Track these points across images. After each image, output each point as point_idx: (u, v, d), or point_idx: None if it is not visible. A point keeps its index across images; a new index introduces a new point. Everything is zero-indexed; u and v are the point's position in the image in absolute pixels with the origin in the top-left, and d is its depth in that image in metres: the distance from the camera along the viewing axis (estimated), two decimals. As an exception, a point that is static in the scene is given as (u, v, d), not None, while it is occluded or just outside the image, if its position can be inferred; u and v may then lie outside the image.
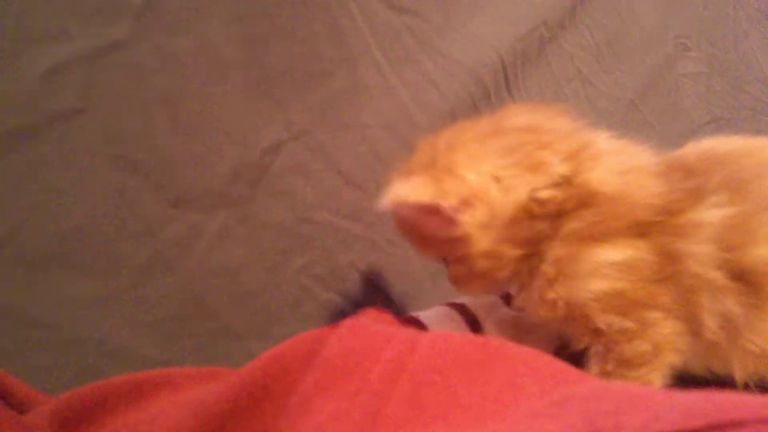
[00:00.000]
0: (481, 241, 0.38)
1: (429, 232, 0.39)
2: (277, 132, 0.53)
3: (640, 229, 0.37)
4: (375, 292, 0.57)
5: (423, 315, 0.48)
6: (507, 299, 0.50)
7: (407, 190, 0.37)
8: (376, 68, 0.59)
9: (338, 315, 0.54)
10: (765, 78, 1.02)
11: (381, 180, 0.57)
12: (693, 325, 0.38)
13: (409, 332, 0.31)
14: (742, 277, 0.36)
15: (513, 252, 0.39)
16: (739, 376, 0.38)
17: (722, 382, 0.40)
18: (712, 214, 0.36)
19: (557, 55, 0.77)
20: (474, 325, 0.48)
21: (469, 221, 0.37)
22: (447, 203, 0.37)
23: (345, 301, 0.55)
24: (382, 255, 0.58)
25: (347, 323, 0.31)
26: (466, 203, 0.37)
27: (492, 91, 0.68)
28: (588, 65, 0.81)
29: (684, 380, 0.41)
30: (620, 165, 0.40)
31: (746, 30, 1.03)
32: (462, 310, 0.49)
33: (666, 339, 0.38)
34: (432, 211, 0.37)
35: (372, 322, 0.32)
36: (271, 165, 0.52)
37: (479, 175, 0.38)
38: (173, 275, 0.47)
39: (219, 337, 0.49)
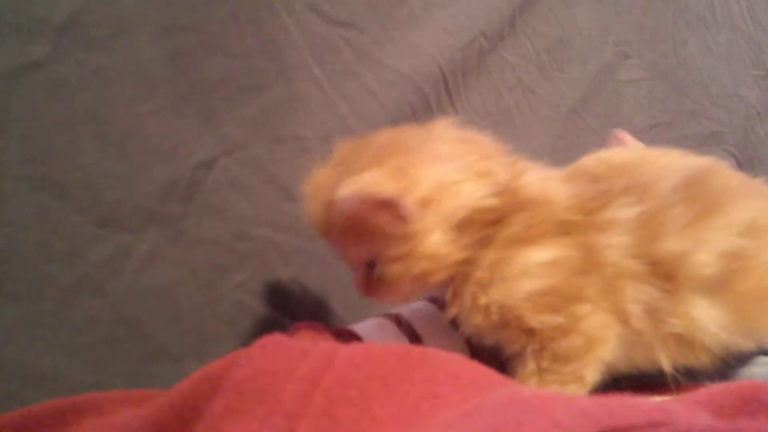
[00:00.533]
0: (429, 242, 0.39)
1: (373, 228, 0.40)
2: (210, 147, 0.52)
3: (562, 229, 0.40)
4: (318, 307, 0.57)
5: (357, 327, 0.47)
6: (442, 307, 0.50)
7: (368, 183, 0.38)
8: (313, 81, 0.59)
9: (279, 331, 0.53)
10: (704, 82, 1.05)
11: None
12: (620, 316, 0.40)
13: (328, 346, 0.30)
14: (655, 266, 0.39)
15: (455, 255, 0.40)
16: (666, 364, 0.40)
17: (650, 378, 0.41)
18: (623, 212, 0.39)
19: (498, 65, 0.78)
20: (411, 333, 0.48)
21: (423, 220, 0.38)
22: (407, 200, 0.38)
23: (286, 317, 0.54)
24: (326, 268, 0.57)
25: (261, 341, 0.31)
26: (423, 202, 0.38)
27: (433, 100, 0.69)
28: (529, 74, 0.82)
29: (615, 380, 0.42)
30: (540, 173, 0.43)
31: (685, 36, 1.06)
32: (397, 319, 0.49)
33: (597, 331, 0.40)
34: (387, 206, 0.38)
35: (289, 338, 0.31)
36: (204, 181, 0.51)
37: (434, 177, 0.39)
38: (102, 297, 0.45)
39: (153, 358, 0.47)
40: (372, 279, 0.43)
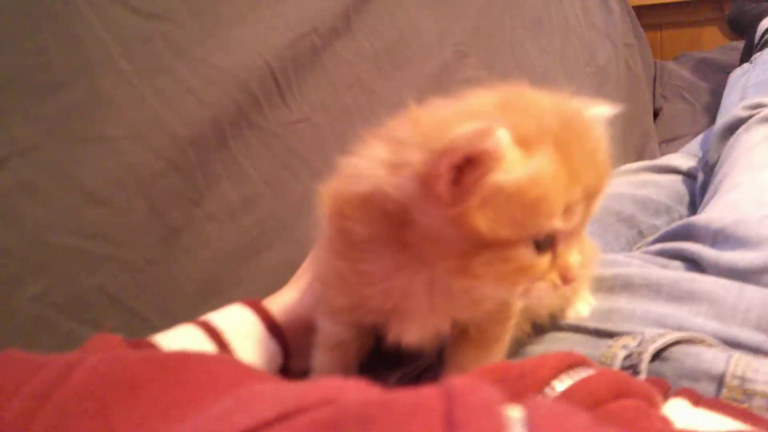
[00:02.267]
0: None
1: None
2: (-4, 149, 0.48)
3: None
4: (129, 317, 0.54)
5: (161, 336, 0.45)
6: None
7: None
8: (121, 77, 0.56)
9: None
10: (540, 80, 1.10)
11: (133, 194, 0.55)
12: None
13: (72, 358, 0.28)
14: None
15: None
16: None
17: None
18: None
19: (334, 62, 0.78)
20: (219, 340, 0.47)
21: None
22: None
23: (92, 329, 0.51)
24: (138, 275, 0.54)
25: None
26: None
27: (262, 97, 0.67)
28: (367, 72, 0.83)
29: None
30: None
31: (522, 38, 1.11)
32: (205, 326, 0.47)
33: None
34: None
35: (26, 353, 0.29)
36: (-11, 185, 0.47)
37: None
38: None
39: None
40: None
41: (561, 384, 0.32)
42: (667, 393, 0.42)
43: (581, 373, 0.33)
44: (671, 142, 1.29)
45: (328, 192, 0.41)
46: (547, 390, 0.32)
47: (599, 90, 1.20)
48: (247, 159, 0.65)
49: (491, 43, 1.04)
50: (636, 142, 1.22)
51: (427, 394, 0.19)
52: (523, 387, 0.32)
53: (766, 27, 1.31)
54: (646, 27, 1.72)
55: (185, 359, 0.30)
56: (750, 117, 0.88)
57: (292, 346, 0.50)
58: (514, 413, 0.19)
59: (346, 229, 0.39)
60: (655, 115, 1.47)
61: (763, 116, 0.86)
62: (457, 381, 0.20)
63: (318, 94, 0.75)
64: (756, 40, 1.33)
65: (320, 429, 0.18)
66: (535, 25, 1.14)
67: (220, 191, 0.62)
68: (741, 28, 1.44)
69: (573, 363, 0.34)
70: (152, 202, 0.56)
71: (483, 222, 0.33)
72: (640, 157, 1.19)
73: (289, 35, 0.70)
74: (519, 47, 1.10)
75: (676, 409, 0.40)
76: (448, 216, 0.34)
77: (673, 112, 1.43)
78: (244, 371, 0.30)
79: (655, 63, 1.62)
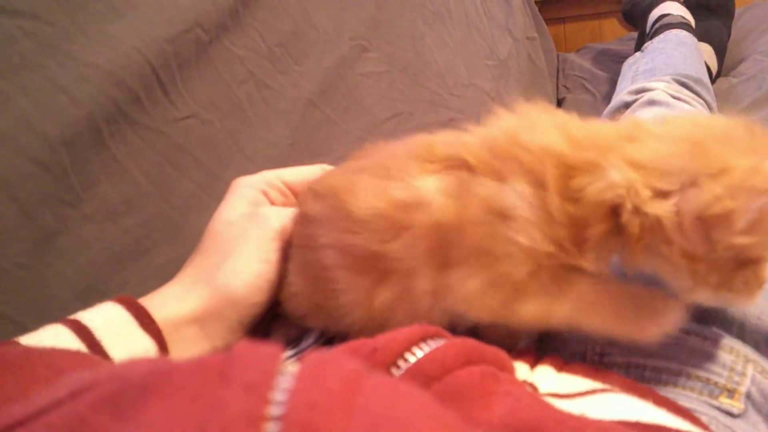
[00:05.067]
0: None
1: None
2: None
3: None
4: (2, 321, 0.51)
5: (26, 337, 0.43)
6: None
7: None
8: (-18, 76, 0.53)
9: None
10: (441, 73, 1.12)
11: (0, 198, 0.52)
12: None
13: None
14: None
15: None
16: None
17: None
18: None
19: (223, 57, 0.76)
20: (90, 339, 0.45)
21: None
22: None
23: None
24: (7, 280, 0.52)
25: None
26: None
27: (143, 94, 0.65)
28: (261, 67, 0.82)
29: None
30: None
31: (423, 32, 1.13)
32: (76, 325, 0.45)
33: None
34: None
35: None
36: None
37: None
38: None
39: None
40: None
41: (413, 356, 0.33)
42: (535, 362, 0.43)
43: (434, 344, 0.34)
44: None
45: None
46: (400, 362, 0.32)
47: (500, 82, 1.22)
48: (129, 158, 0.63)
49: (392, 37, 1.05)
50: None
51: (210, 358, 0.19)
52: (376, 361, 0.32)
53: (655, 17, 1.38)
54: (550, 21, 1.78)
55: (26, 354, 0.29)
56: (635, 101, 0.92)
57: (171, 341, 0.48)
58: (291, 368, 0.19)
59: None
60: (560, 105, 1.52)
61: (647, 99, 0.91)
62: (242, 345, 0.20)
63: (206, 91, 0.73)
64: (647, 30, 1.39)
65: (102, 402, 0.18)
66: (435, 19, 1.16)
67: (99, 192, 0.60)
68: (634, 20, 1.51)
69: (426, 335, 0.34)
70: (22, 205, 0.54)
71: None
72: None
73: (170, 30, 0.69)
74: (420, 41, 1.11)
75: (541, 376, 0.41)
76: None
77: (575, 102, 1.48)
78: (92, 363, 0.29)
79: (558, 55, 1.67)
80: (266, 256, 0.49)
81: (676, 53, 1.18)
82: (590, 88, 1.51)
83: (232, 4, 0.78)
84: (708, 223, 0.36)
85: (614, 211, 0.38)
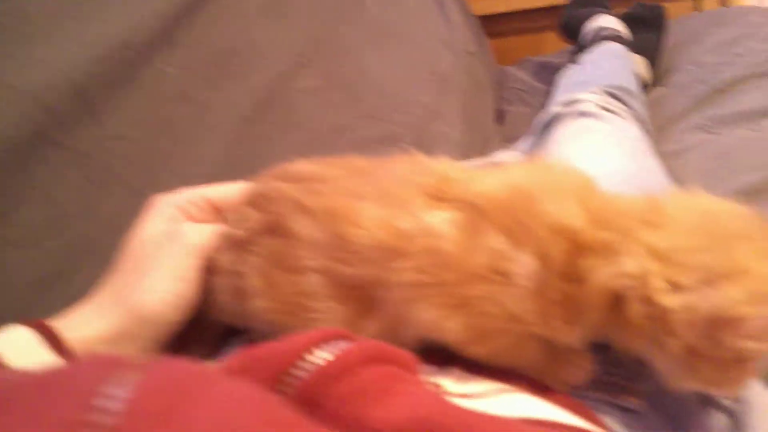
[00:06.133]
0: None
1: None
2: None
3: None
4: None
5: None
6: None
7: None
8: None
9: None
10: (381, 88, 1.13)
11: None
12: None
13: None
14: None
15: None
16: None
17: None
18: None
19: (153, 76, 0.76)
20: (58, 343, 0.44)
21: None
22: None
23: None
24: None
25: None
26: None
27: (67, 116, 0.64)
28: (193, 85, 0.81)
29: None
30: None
31: (362, 47, 1.14)
32: (40, 326, 0.44)
33: None
34: None
35: None
36: None
37: None
38: None
39: None
40: None
41: (315, 358, 0.33)
42: (444, 364, 0.44)
43: (338, 346, 0.34)
44: (513, 142, 1.36)
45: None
46: (301, 364, 0.32)
47: (441, 96, 1.24)
48: (53, 180, 0.62)
49: (331, 53, 1.06)
50: (478, 144, 1.28)
51: (56, 368, 0.19)
52: (274, 365, 0.32)
53: (590, 30, 1.42)
54: (492, 35, 1.81)
55: None
56: (566, 113, 0.94)
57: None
58: (134, 376, 0.20)
59: None
60: (501, 118, 1.54)
61: (578, 111, 0.93)
62: (86, 355, 0.21)
63: (136, 110, 0.72)
64: (582, 43, 1.44)
65: None
66: (375, 35, 1.17)
67: (21, 215, 0.59)
68: (571, 33, 1.55)
69: (329, 337, 0.34)
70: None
71: None
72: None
73: (98, 51, 0.68)
74: (360, 57, 1.12)
75: (450, 377, 0.42)
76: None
77: (515, 115, 1.51)
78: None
79: (498, 68, 1.70)
80: (183, 273, 0.48)
81: (608, 65, 1.22)
82: (530, 100, 1.55)
83: (164, 24, 0.77)
84: (717, 325, 0.37)
85: (617, 296, 0.39)
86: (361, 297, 0.43)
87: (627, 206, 0.42)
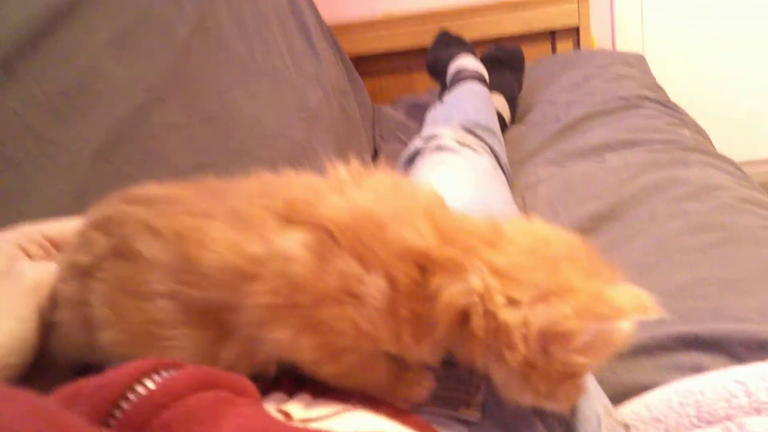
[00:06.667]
0: None
1: None
2: None
3: None
4: None
5: None
6: None
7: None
8: None
9: None
10: (249, 124, 1.13)
11: None
12: None
13: None
14: None
15: None
16: None
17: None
18: None
19: (-6, 112, 0.72)
20: None
21: None
22: None
23: None
24: None
25: None
26: None
27: None
28: (40, 120, 0.78)
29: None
30: None
31: (228, 83, 1.14)
32: None
33: None
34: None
35: None
36: None
37: None
38: None
39: None
40: None
41: (143, 388, 0.32)
42: (293, 392, 0.45)
43: (166, 375, 0.34)
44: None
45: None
46: (129, 395, 0.32)
47: (312, 132, 1.26)
48: None
49: (193, 88, 1.05)
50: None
51: None
52: (102, 397, 0.31)
53: (453, 70, 1.50)
54: (365, 74, 1.87)
55: None
56: (426, 147, 0.99)
57: None
58: None
59: None
60: (376, 154, 1.59)
61: (436, 145, 0.98)
62: None
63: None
64: (446, 82, 1.51)
65: None
66: (241, 71, 1.17)
67: None
68: (437, 73, 1.63)
69: (159, 366, 0.34)
70: None
71: None
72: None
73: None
74: (225, 93, 1.11)
75: (297, 404, 0.43)
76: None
77: (389, 151, 1.56)
78: None
79: (373, 107, 1.76)
80: (19, 313, 0.46)
81: (468, 103, 1.29)
82: (402, 137, 1.60)
83: (4, 56, 0.74)
84: (549, 338, 0.40)
85: (464, 313, 0.41)
86: (215, 322, 0.42)
87: (472, 226, 0.45)
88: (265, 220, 0.43)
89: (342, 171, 0.48)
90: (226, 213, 0.44)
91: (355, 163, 0.49)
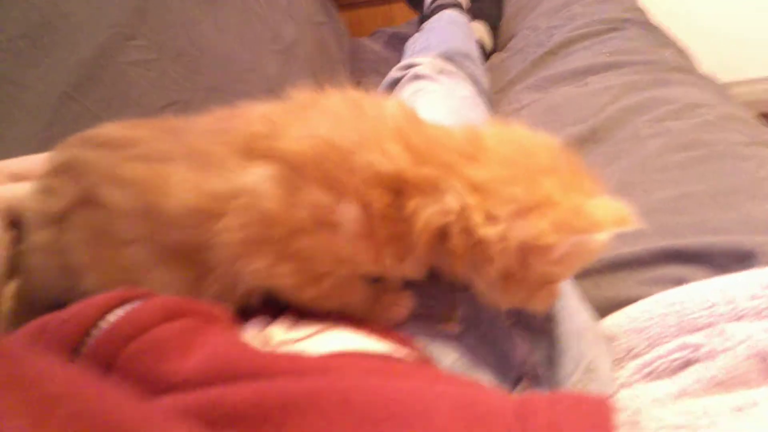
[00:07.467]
0: None
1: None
2: None
3: None
4: None
5: None
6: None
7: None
8: None
9: None
10: (220, 60, 1.10)
11: None
12: None
13: None
14: None
15: None
16: None
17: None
18: None
19: (-49, 54, 0.69)
20: None
21: None
22: None
23: None
24: None
25: None
26: None
27: None
28: (5, 62, 0.75)
29: None
30: None
31: (196, 17, 1.10)
32: None
33: None
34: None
35: None
36: None
37: None
38: None
39: None
40: None
41: (110, 318, 0.32)
42: (274, 316, 0.45)
43: (132, 306, 0.34)
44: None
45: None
46: (96, 327, 0.32)
47: (286, 67, 1.23)
48: None
49: (160, 24, 1.01)
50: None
51: None
52: (68, 330, 0.31)
53: (431, -1, 1.46)
54: (342, 7, 1.82)
55: None
56: (403, 76, 0.96)
57: None
58: None
59: None
60: (356, 88, 1.55)
61: (413, 74, 0.96)
62: None
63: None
64: (425, 11, 1.47)
65: None
66: (209, 4, 1.13)
67: None
68: (415, 3, 1.58)
69: (127, 298, 0.34)
70: None
71: None
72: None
73: None
74: (193, 27, 1.08)
75: (277, 328, 0.43)
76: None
77: (370, 85, 1.51)
78: None
79: (351, 40, 1.71)
80: None
81: (447, 31, 1.26)
82: (382, 70, 1.56)
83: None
84: (528, 251, 0.40)
85: (442, 231, 0.41)
86: (193, 261, 0.42)
87: (447, 139, 0.44)
88: (225, 156, 0.42)
89: (299, 95, 0.47)
90: (184, 153, 0.44)
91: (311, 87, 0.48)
